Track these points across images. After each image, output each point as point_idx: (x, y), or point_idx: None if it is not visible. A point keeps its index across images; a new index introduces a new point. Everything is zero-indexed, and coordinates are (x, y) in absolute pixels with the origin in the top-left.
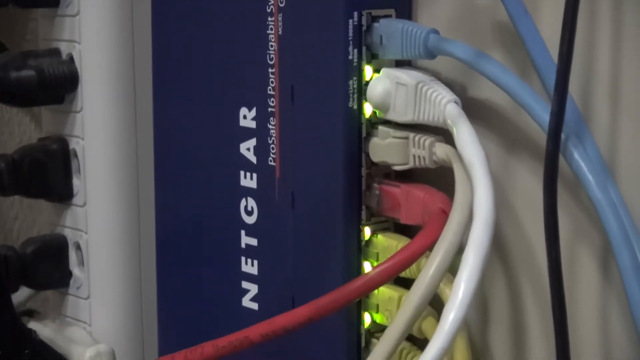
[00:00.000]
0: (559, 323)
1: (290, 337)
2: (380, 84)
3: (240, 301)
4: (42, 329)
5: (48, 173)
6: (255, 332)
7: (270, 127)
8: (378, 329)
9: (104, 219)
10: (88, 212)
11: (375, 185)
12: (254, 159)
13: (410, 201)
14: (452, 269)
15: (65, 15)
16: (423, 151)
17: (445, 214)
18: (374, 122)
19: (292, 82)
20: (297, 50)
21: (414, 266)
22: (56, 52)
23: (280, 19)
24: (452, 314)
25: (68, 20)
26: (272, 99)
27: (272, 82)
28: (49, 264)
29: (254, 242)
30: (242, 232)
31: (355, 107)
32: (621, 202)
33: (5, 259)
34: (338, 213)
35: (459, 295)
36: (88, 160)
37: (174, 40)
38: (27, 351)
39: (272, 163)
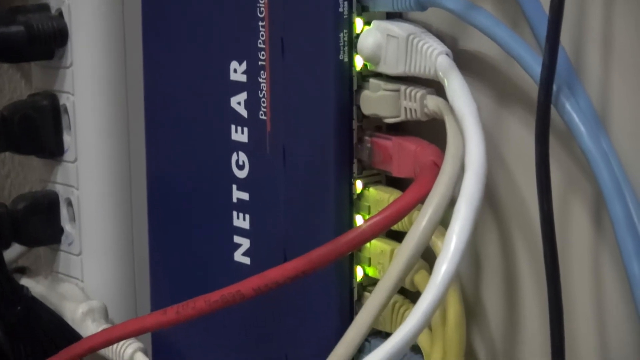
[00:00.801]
0: (551, 275)
1: (282, 291)
2: (371, 37)
3: (233, 256)
4: (35, 286)
5: (38, 129)
6: (247, 286)
7: (260, 80)
8: (370, 283)
9: (95, 175)
10: (79, 168)
11: (367, 138)
12: (244, 113)
13: (402, 154)
14: (444, 221)
15: None
16: (414, 104)
17: (437, 167)
18: (365, 75)
19: (283, 35)
20: (287, 3)
21: (406, 219)
22: (45, 8)
23: None
24: (444, 266)
25: None
26: (262, 53)
27: (262, 36)
28: (40, 221)
29: (245, 196)
30: (234, 187)
31: (346, 59)
32: (613, 153)
33: None
34: (329, 166)
35: (451, 248)
36: (78, 116)
37: None
38: (19, 308)
39: (263, 117)
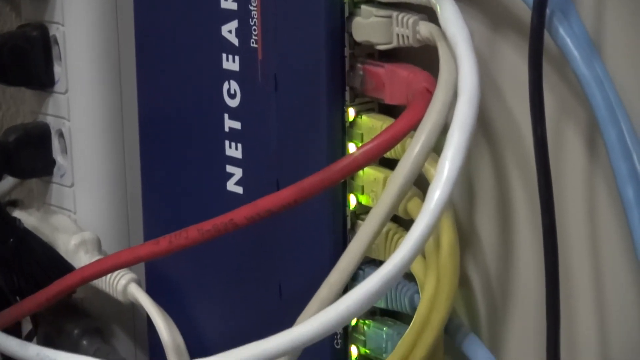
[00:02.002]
0: (545, 201)
1: (275, 219)
2: None
3: (225, 185)
4: (27, 218)
5: (28, 60)
6: (239, 215)
7: (251, 8)
8: (363, 211)
9: (86, 106)
10: (70, 99)
11: (359, 65)
12: (235, 42)
13: (395, 81)
14: (437, 149)
15: None
16: (407, 30)
17: (429, 93)
18: (357, 2)
19: None
20: None
21: (398, 146)
22: None
23: None
24: (437, 193)
25: None
26: None
27: None
28: (32, 152)
29: (237, 125)
30: (226, 116)
31: None
32: (607, 77)
33: None
34: (321, 94)
35: (444, 174)
36: (69, 46)
37: None
38: (11, 240)
39: (254, 45)
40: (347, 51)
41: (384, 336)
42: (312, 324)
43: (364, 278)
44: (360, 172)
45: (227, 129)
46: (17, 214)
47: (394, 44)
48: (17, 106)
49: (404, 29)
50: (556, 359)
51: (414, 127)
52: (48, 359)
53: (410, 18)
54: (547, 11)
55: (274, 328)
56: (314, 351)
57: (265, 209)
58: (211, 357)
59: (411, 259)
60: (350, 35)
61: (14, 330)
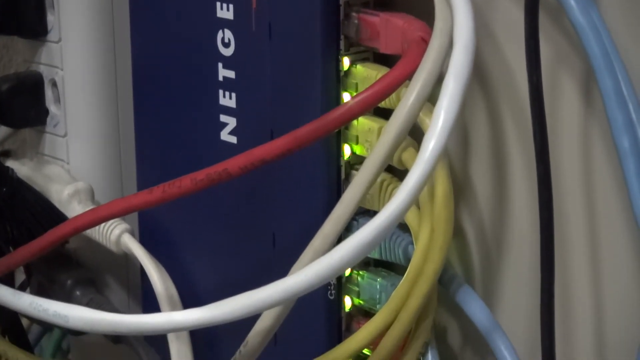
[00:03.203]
0: (540, 150)
1: (269, 169)
2: None
3: (219, 135)
4: (20, 168)
5: (21, 8)
6: (233, 164)
7: None
8: (358, 161)
9: (79, 55)
10: (63, 48)
11: (354, 14)
12: None
13: (390, 30)
14: (432, 98)
15: None
16: None
17: (424, 42)
18: None
19: None
20: None
21: (393, 96)
22: None
23: None
24: (432, 142)
25: None
26: None
27: None
28: (25, 101)
29: (231, 74)
30: (219, 65)
31: None
32: (603, 26)
33: None
34: (316, 43)
35: (439, 123)
36: None
37: None
38: (4, 189)
39: None
40: None
41: (378, 287)
42: (305, 273)
43: (358, 228)
44: (355, 121)
45: (221, 78)
46: (10, 163)
47: None
48: (9, 56)
49: None
50: (550, 310)
51: (409, 76)
52: (41, 308)
53: None
54: None
55: (268, 278)
56: (308, 302)
57: (259, 158)
58: (204, 306)
59: (405, 209)
60: None
61: (7, 280)
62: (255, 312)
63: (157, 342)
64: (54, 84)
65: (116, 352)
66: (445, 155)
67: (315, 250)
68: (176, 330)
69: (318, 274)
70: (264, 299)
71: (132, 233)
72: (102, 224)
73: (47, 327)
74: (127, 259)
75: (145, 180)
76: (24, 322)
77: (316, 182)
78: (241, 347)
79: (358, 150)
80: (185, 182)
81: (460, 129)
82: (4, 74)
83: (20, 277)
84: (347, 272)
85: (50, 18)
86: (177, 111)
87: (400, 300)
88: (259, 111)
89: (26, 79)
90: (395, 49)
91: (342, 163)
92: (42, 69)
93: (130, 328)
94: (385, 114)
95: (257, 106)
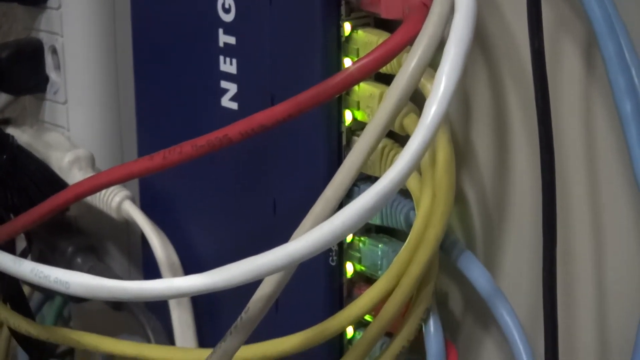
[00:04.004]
0: (542, 115)
1: (270, 135)
2: None
3: (220, 101)
4: (20, 135)
5: None
6: (234, 130)
7: None
8: (359, 127)
9: (79, 22)
10: (63, 14)
11: None
12: None
13: None
14: (433, 64)
15: None
16: None
17: (426, 7)
18: None
19: None
20: None
21: (394, 61)
22: None
23: None
24: (433, 107)
25: None
26: None
27: None
28: (25, 68)
29: (232, 40)
30: (220, 31)
31: None
32: None
33: None
34: (317, 8)
35: (440, 88)
36: None
37: None
38: (4, 156)
39: None
40: None
41: (379, 253)
42: (306, 239)
43: (359, 194)
44: (356, 87)
45: (221, 44)
46: (10, 131)
47: None
48: (9, 23)
49: None
50: (552, 274)
51: (410, 41)
52: (42, 274)
53: None
54: None
55: (269, 245)
56: (309, 268)
57: (259, 124)
58: (205, 273)
59: (407, 175)
60: None
61: (8, 247)
62: (256, 278)
63: (159, 309)
64: (53, 51)
65: (117, 319)
66: (446, 121)
67: (317, 216)
68: (177, 296)
69: (319, 240)
70: (265, 265)
71: (133, 200)
72: (103, 191)
73: (48, 294)
74: (128, 226)
75: (145, 147)
76: (26, 289)
77: (317, 148)
78: (242, 314)
79: (359, 116)
80: (186, 148)
81: (462, 95)
82: (4, 41)
83: (21, 244)
84: (349, 238)
85: None
86: (177, 77)
87: (402, 267)
88: (260, 77)
89: (26, 46)
90: (397, 14)
91: (343, 129)
92: (42, 36)
93: (131, 294)
94: (386, 79)
95: (258, 72)
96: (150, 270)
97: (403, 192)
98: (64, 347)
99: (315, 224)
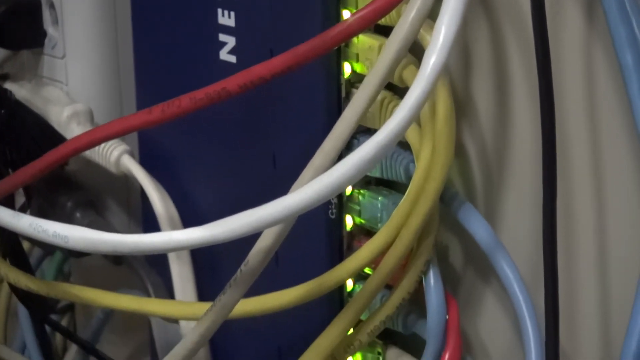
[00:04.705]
0: (542, 67)
1: (269, 88)
2: None
3: (218, 54)
4: (18, 90)
5: None
6: (232, 82)
7: None
8: (358, 79)
9: None
10: None
11: None
12: None
13: None
14: (432, 15)
15: None
16: None
17: None
18: None
19: None
20: None
21: (393, 13)
22: None
23: None
24: (433, 58)
25: None
26: None
27: None
28: (23, 23)
29: None
30: None
31: None
32: None
33: None
34: None
35: (439, 39)
36: None
37: None
38: (2, 111)
39: None
40: None
41: (379, 206)
42: (306, 191)
43: (358, 147)
44: (355, 39)
45: None
46: (8, 86)
47: None
48: None
49: None
50: (552, 227)
51: None
52: (41, 228)
53: None
54: None
55: (268, 198)
56: (309, 221)
57: (258, 76)
58: (204, 225)
59: (406, 126)
60: None
61: (7, 203)
62: (256, 230)
63: (158, 263)
64: (51, 5)
65: (117, 274)
66: (446, 72)
67: (316, 168)
68: (176, 249)
69: (318, 192)
70: (264, 217)
71: (131, 154)
72: (102, 145)
73: (47, 249)
74: (127, 180)
75: (144, 101)
76: (25, 246)
77: (316, 101)
78: (242, 267)
79: (358, 68)
80: (185, 102)
81: (462, 46)
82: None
83: (20, 200)
84: (348, 191)
85: None
86: (175, 31)
87: (402, 219)
88: (258, 30)
89: (23, 1)
90: None
91: (342, 81)
92: None
93: (131, 248)
94: (385, 31)
95: (257, 24)
96: (150, 225)
97: (403, 145)
98: (64, 302)
99: (315, 176)
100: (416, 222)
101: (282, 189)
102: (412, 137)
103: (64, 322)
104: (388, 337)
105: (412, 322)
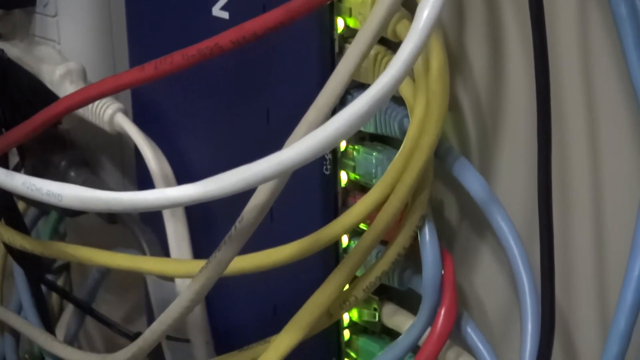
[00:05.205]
0: (536, 20)
1: (262, 44)
2: None
3: (210, 10)
4: (10, 49)
5: None
6: (225, 38)
7: None
8: (351, 34)
9: None
10: None
11: None
12: None
13: None
14: None
15: None
16: None
17: None
18: None
19: None
20: None
21: None
22: None
23: None
24: (425, 12)
25: None
26: None
27: None
28: None
29: None
30: None
31: None
32: None
33: None
34: None
35: None
36: None
37: None
38: None
39: None
40: None
41: (374, 161)
42: (299, 147)
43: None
44: None
45: None
46: (0, 45)
47: None
48: None
49: None
50: (547, 180)
51: None
52: (34, 187)
53: None
54: None
55: (262, 155)
56: (304, 178)
57: (250, 31)
58: (198, 182)
59: (400, 79)
60: None
61: (1, 162)
62: (250, 186)
63: (153, 222)
64: None
65: (113, 233)
66: (439, 26)
67: (310, 123)
68: (171, 206)
69: (312, 147)
70: (258, 173)
71: (125, 112)
72: (95, 104)
73: (42, 209)
74: (121, 139)
75: (137, 59)
76: (21, 206)
77: (309, 56)
78: (237, 223)
79: (351, 23)
80: (177, 58)
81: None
82: None
83: (14, 160)
84: (342, 146)
85: None
86: None
87: (397, 174)
88: None
89: None
90: None
91: (336, 36)
92: None
93: (125, 205)
94: None
95: None
96: (144, 184)
97: (397, 100)
98: (59, 262)
99: (309, 132)
100: (411, 177)
101: (276, 145)
102: (405, 91)
103: (59, 283)
104: (384, 293)
105: (408, 278)
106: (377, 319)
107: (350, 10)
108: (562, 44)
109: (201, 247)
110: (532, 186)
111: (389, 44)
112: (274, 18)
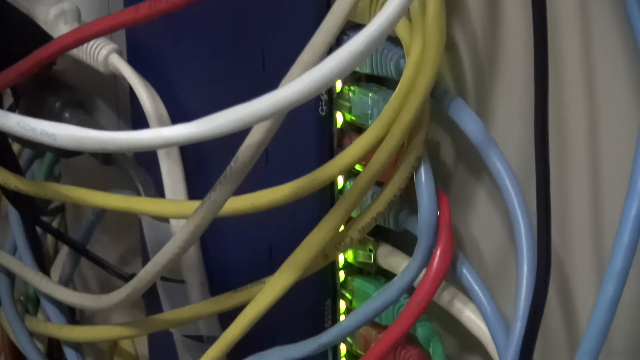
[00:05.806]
0: None
1: None
2: None
3: None
4: None
5: None
6: None
7: None
8: None
9: None
10: None
11: None
12: None
13: None
14: None
15: None
16: None
17: None
18: None
19: None
20: None
21: None
22: None
23: None
24: None
25: None
26: None
27: None
28: None
29: None
30: None
31: None
32: None
33: None
34: None
35: None
36: None
37: None
38: None
39: None
40: None
41: (370, 102)
42: (295, 86)
43: None
44: None
45: None
46: None
47: None
48: None
49: None
50: (544, 121)
51: None
52: (28, 127)
53: None
54: None
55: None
56: (299, 118)
57: None
58: (193, 121)
59: (396, 19)
60: None
61: None
62: (245, 126)
63: (148, 162)
64: None
65: (108, 175)
66: None
67: (305, 62)
68: (165, 145)
69: (308, 86)
70: (253, 112)
71: (120, 53)
72: (89, 44)
73: (37, 150)
74: (116, 80)
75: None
76: (15, 148)
77: (305, 6)
78: (232, 163)
79: None
80: None
81: None
82: None
83: (9, 101)
84: (338, 87)
85: None
86: None
87: (393, 114)
88: None
89: None
90: None
91: None
92: None
93: (119, 145)
94: None
95: None
96: (139, 126)
97: (393, 40)
98: (54, 204)
99: (304, 71)
100: (407, 118)
101: (271, 87)
102: (402, 32)
103: (54, 224)
104: (379, 234)
105: (404, 219)
106: (372, 260)
107: None
108: (562, 15)
109: (196, 188)
110: (529, 128)
111: None
112: None
